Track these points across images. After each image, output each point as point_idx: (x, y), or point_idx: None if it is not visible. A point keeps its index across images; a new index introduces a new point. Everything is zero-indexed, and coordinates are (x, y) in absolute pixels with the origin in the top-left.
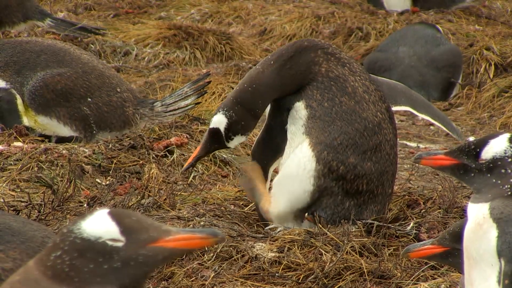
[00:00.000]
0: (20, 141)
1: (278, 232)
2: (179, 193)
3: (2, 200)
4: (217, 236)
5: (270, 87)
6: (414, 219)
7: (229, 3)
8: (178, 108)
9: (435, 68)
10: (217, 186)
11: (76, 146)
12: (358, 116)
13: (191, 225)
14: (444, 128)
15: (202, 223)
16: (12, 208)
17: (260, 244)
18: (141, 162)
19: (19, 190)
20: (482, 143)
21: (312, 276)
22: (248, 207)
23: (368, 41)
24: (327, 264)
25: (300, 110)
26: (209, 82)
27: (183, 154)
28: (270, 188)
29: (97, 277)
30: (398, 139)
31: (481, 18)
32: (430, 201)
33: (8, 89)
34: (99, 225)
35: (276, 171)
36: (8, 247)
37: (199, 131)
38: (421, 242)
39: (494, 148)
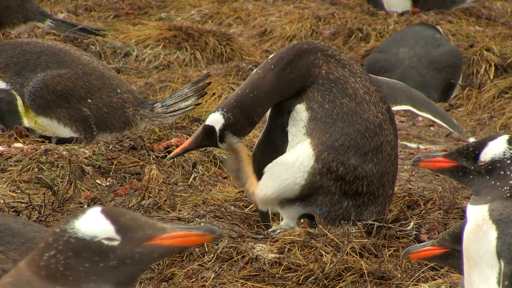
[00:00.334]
0: (21, 142)
1: (278, 233)
2: (179, 194)
3: (2, 201)
4: (214, 232)
5: (271, 94)
6: (415, 220)
7: (229, 4)
8: (178, 109)
9: (435, 69)
10: (218, 187)
11: (76, 147)
12: (359, 117)
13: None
14: (446, 126)
15: (202, 224)
16: (12, 209)
17: (261, 245)
18: (141, 163)
19: (19, 191)
20: (480, 145)
21: (313, 277)
22: (249, 208)
23: (368, 42)
24: (327, 265)
25: (301, 112)
26: (209, 83)
27: (183, 155)
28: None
29: (92, 276)
30: (398, 140)
31: (481, 19)
32: (430, 202)
33: (8, 90)
34: (94, 224)
35: None
36: (9, 248)
37: None
38: (421, 244)
39: (493, 150)
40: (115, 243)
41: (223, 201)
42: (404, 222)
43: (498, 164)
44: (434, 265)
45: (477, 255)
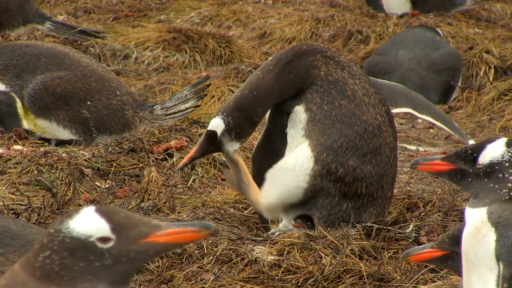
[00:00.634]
0: (20, 144)
1: (278, 235)
2: (178, 196)
3: (1, 203)
4: (209, 228)
5: (270, 94)
6: (414, 222)
7: (229, 6)
8: (178, 111)
9: (434, 71)
10: (217, 189)
11: (75, 149)
12: (358, 119)
13: None
14: (446, 128)
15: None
16: (11, 211)
17: (260, 247)
18: (140, 165)
19: (18, 193)
20: (479, 148)
21: (312, 279)
22: (248, 210)
23: (368, 44)
24: (327, 267)
25: (299, 113)
26: (208, 85)
27: (183, 157)
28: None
29: (87, 275)
30: (397, 142)
31: (480, 21)
32: (429, 204)
33: (7, 92)
34: (89, 223)
35: None
36: (8, 251)
37: (199, 134)
38: (421, 246)
39: (492, 152)
40: (111, 241)
41: (223, 203)
42: (403, 224)
43: (497, 167)
44: (434, 267)
45: (476, 258)
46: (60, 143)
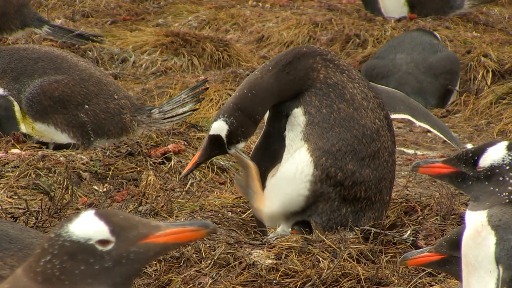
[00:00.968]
0: (18, 148)
1: (275, 239)
2: (176, 200)
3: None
4: (208, 227)
5: (269, 92)
6: (412, 226)
7: (227, 10)
8: (176, 115)
9: (432, 75)
10: (215, 193)
11: (73, 153)
12: (356, 122)
13: None
14: (443, 137)
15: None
16: (9, 215)
17: (258, 251)
18: (138, 169)
19: (16, 197)
20: (479, 151)
21: (310, 283)
22: (246, 214)
23: (366, 48)
24: (325, 271)
25: (298, 116)
26: (206, 89)
27: (181, 161)
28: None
29: (88, 279)
30: (396, 146)
31: (478, 25)
32: (427, 208)
33: (5, 96)
34: (88, 226)
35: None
36: (6, 254)
37: (197, 138)
38: (419, 250)
39: (492, 156)
40: (110, 244)
41: (220, 207)
42: (401, 228)
43: (497, 170)
44: (431, 271)
45: (475, 261)
46: (58, 147)
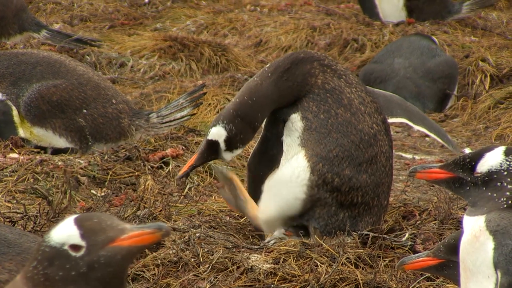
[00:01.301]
0: (16, 153)
1: (273, 243)
2: (174, 204)
3: None
4: (161, 229)
5: (269, 99)
6: (410, 230)
7: (225, 14)
8: (174, 120)
9: (430, 79)
10: (213, 198)
11: (71, 157)
12: (353, 128)
13: (186, 236)
14: (440, 140)
15: (197, 234)
16: (8, 220)
17: (256, 255)
18: (136, 173)
19: (14, 201)
20: (477, 156)
21: None
22: (244, 218)
23: (364, 53)
24: (323, 275)
25: (296, 121)
26: (204, 94)
27: (179, 166)
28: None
29: (69, 284)
30: (393, 151)
31: (476, 29)
32: (425, 213)
33: (4, 101)
34: (63, 231)
35: None
36: (4, 259)
37: (195, 142)
38: (416, 254)
39: (490, 161)
40: (81, 248)
41: (218, 212)
42: (399, 232)
43: (495, 176)
44: (429, 275)
45: (474, 266)
46: (56, 151)
